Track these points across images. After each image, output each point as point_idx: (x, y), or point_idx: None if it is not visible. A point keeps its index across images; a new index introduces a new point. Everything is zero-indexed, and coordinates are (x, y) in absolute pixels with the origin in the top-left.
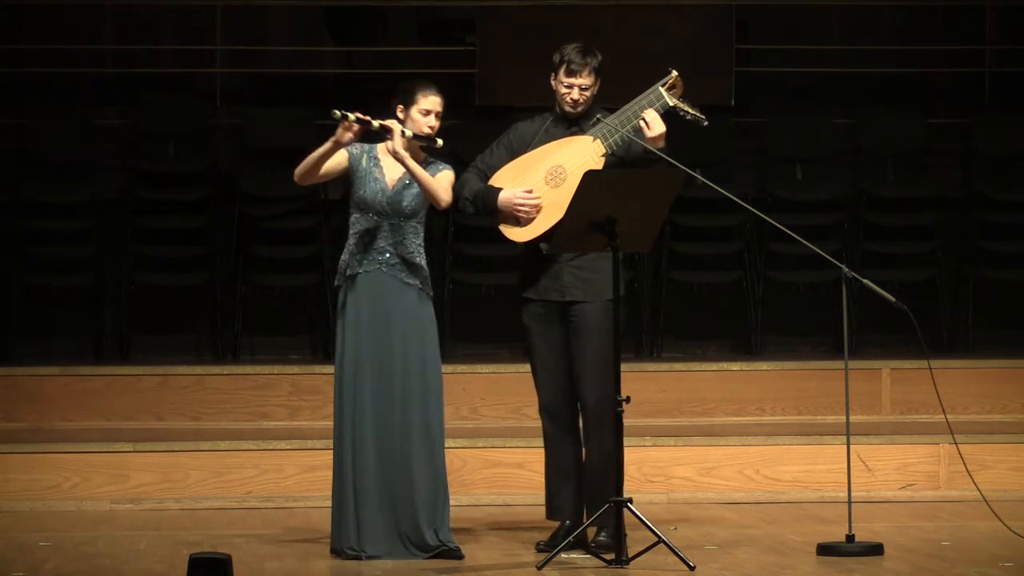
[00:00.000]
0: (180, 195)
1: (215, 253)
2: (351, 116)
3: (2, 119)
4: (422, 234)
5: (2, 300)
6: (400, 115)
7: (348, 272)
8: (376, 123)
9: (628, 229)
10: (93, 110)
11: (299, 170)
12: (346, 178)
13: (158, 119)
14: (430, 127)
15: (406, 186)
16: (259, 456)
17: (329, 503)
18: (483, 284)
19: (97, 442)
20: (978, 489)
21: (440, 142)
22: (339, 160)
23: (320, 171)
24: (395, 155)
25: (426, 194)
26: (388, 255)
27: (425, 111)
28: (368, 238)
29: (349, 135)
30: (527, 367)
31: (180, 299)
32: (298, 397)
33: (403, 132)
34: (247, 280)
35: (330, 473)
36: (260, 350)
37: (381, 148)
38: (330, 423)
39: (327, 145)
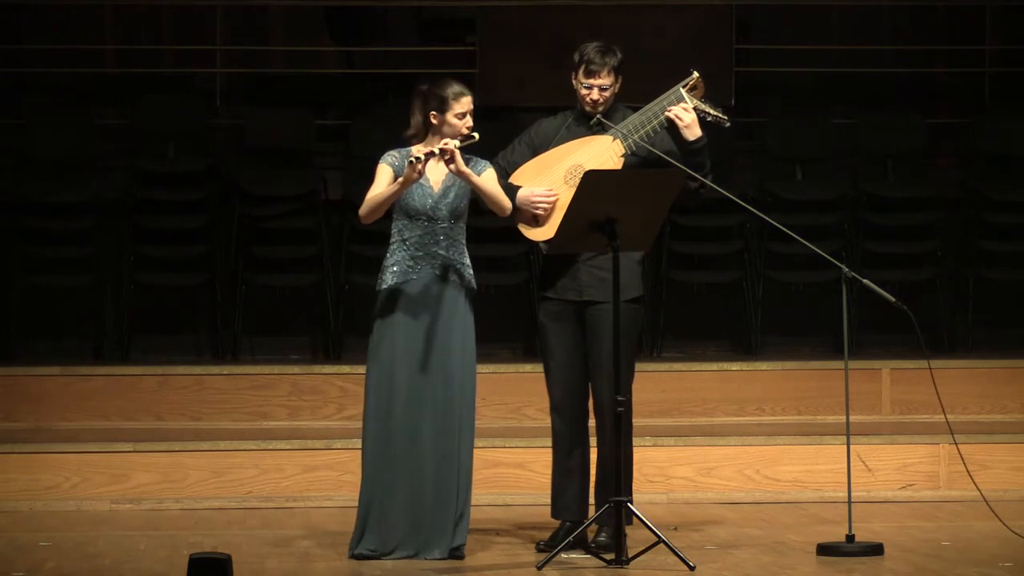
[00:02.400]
0: (180, 195)
1: (215, 253)
2: (423, 157)
3: (2, 119)
4: (465, 234)
5: (2, 300)
6: (434, 121)
7: (397, 279)
8: (437, 150)
9: (628, 229)
10: (93, 110)
11: (365, 211)
12: None
13: (158, 119)
14: (467, 127)
15: (450, 187)
16: (259, 456)
17: (330, 503)
18: (482, 284)
19: (97, 442)
20: (978, 489)
21: (477, 136)
22: (386, 180)
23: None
24: (460, 175)
25: (491, 204)
26: (438, 259)
27: (461, 114)
28: (417, 243)
29: (416, 174)
30: (527, 367)
31: (180, 299)
32: (298, 397)
33: (457, 147)
34: (247, 280)
35: (330, 473)
36: (260, 350)
37: (416, 151)
38: (330, 423)
39: (395, 187)
